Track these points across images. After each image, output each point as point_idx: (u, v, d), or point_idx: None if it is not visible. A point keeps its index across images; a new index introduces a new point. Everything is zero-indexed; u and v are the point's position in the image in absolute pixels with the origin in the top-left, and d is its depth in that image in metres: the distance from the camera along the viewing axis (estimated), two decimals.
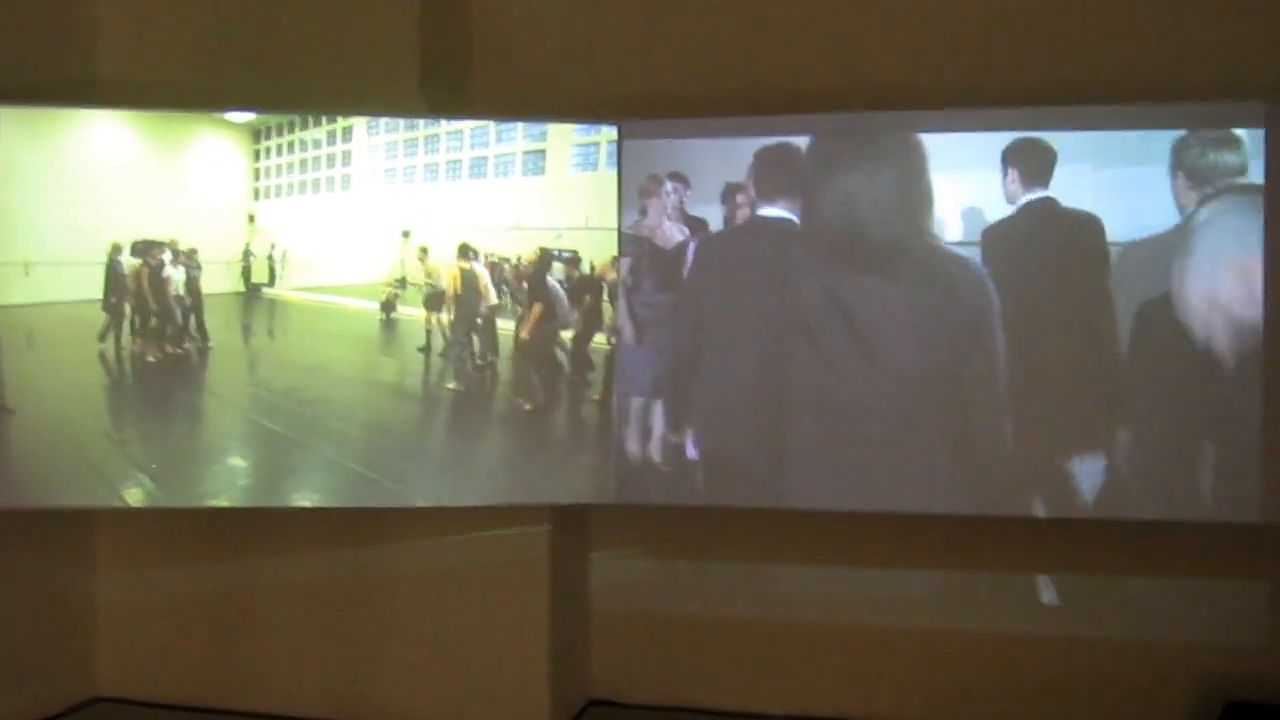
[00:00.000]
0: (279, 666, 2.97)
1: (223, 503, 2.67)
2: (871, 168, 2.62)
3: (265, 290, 2.73)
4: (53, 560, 2.89)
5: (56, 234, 2.59)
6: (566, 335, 2.78)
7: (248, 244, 2.70)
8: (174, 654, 3.01)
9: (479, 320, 2.75)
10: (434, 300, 2.75)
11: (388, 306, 2.74)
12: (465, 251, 2.73)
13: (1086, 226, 2.54)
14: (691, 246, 2.74)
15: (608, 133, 2.74)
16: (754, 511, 2.80)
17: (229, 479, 2.66)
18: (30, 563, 2.79)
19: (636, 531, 3.06)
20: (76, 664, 2.97)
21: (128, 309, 2.65)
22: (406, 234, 2.73)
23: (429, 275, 2.74)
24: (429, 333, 2.76)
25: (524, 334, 2.75)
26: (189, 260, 2.67)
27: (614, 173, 2.73)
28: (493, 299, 2.75)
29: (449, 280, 2.73)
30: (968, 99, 2.68)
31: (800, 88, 2.82)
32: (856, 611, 2.95)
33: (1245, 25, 2.64)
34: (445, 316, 2.75)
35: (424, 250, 2.73)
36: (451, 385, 2.75)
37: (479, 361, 2.75)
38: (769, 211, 2.68)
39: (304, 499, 2.70)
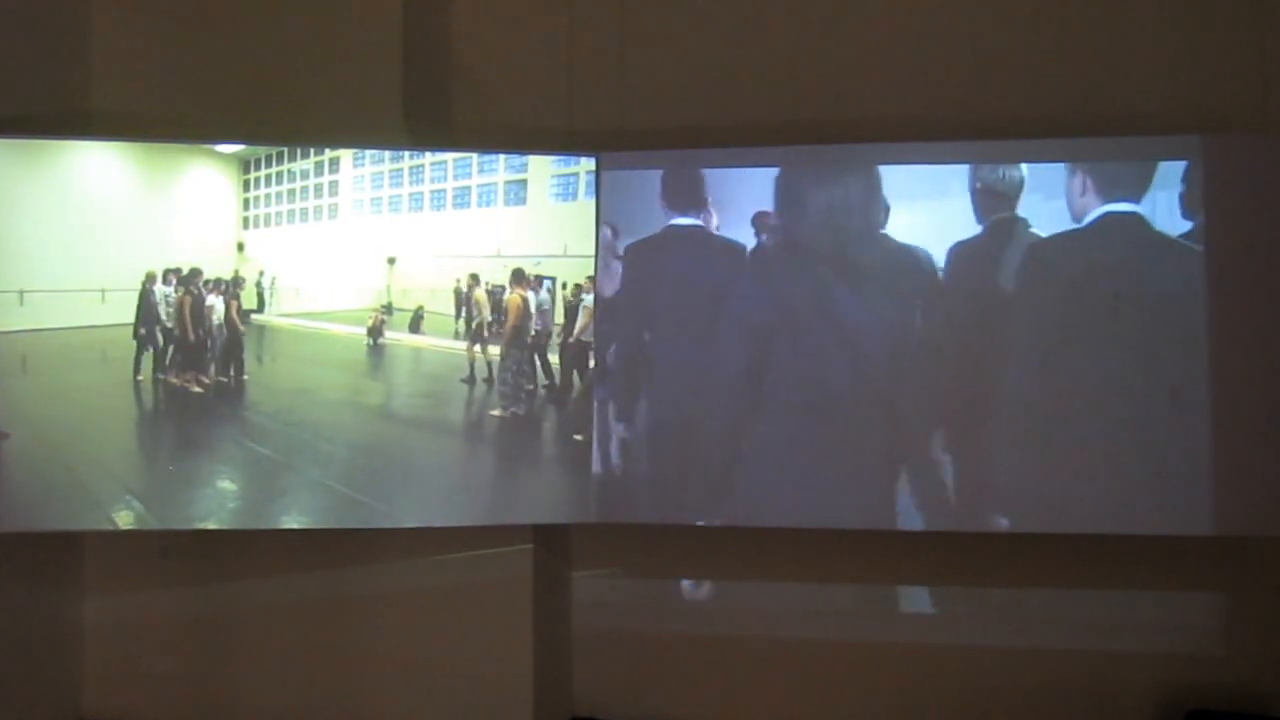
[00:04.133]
0: (265, 688, 2.99)
1: (212, 525, 2.69)
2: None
3: (254, 316, 2.78)
4: (38, 582, 2.89)
5: (51, 263, 2.63)
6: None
7: (236, 271, 2.75)
8: (159, 676, 3.02)
9: (529, 345, 2.83)
10: (475, 332, 2.82)
11: (374, 332, 2.81)
12: (520, 278, 2.81)
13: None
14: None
15: (586, 164, 2.82)
16: (730, 530, 2.87)
17: (219, 501, 2.69)
18: (15, 584, 2.79)
19: (616, 550, 3.13)
20: (61, 686, 2.97)
21: (160, 337, 2.71)
22: (392, 261, 2.80)
23: (479, 304, 2.81)
24: (472, 363, 2.83)
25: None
26: (228, 290, 2.73)
27: (592, 202, 2.81)
28: (539, 324, 2.84)
29: (512, 308, 2.80)
30: (911, 133, 2.80)
31: (770, 120, 2.93)
32: (830, 627, 3.03)
33: (1179, 63, 2.80)
34: (495, 345, 2.82)
35: (474, 278, 2.80)
36: (511, 409, 2.81)
37: (532, 386, 2.82)
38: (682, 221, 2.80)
39: (292, 521, 2.74)
